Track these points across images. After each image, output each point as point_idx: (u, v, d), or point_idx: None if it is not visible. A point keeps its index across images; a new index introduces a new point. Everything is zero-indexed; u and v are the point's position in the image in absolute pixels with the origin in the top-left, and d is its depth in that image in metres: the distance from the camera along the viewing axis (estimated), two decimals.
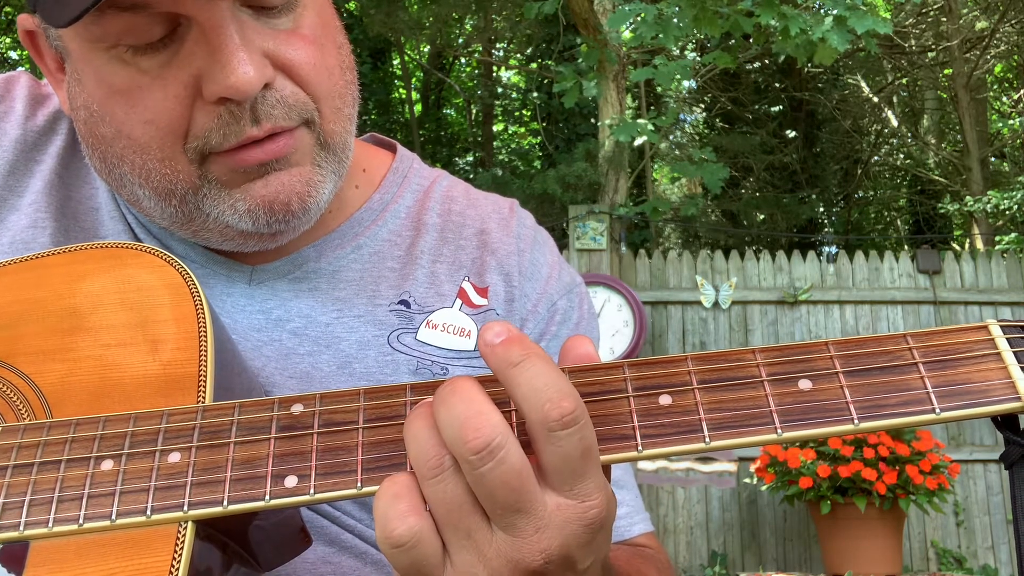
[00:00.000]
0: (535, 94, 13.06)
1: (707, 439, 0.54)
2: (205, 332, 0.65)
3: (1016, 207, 9.54)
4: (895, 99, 14.87)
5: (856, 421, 0.54)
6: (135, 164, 0.76)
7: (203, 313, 0.66)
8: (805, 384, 0.56)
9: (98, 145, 0.78)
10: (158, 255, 0.69)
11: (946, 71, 13.45)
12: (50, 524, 0.57)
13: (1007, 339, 0.55)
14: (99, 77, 0.74)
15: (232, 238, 0.80)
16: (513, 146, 16.25)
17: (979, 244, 11.02)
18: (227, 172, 0.75)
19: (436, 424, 0.53)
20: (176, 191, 0.76)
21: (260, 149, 0.74)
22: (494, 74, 15.53)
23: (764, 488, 5.10)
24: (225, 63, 0.69)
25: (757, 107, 14.51)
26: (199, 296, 0.67)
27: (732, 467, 5.68)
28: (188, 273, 0.68)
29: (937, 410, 0.54)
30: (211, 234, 0.80)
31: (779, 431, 0.54)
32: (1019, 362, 0.54)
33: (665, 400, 0.56)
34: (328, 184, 0.80)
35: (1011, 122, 13.03)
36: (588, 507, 0.53)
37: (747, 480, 5.50)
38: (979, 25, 12.61)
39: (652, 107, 11.61)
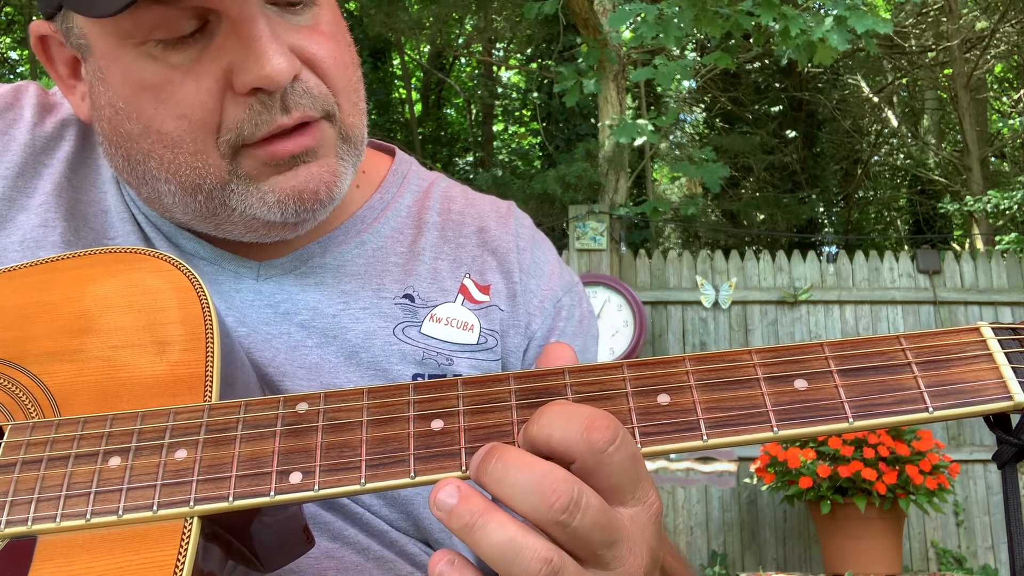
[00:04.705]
0: (535, 94, 13.06)
1: (705, 437, 0.56)
2: (212, 334, 0.66)
3: (1016, 207, 9.54)
4: (895, 99, 14.87)
5: (851, 420, 0.55)
6: (164, 159, 0.77)
7: (210, 315, 0.67)
8: (801, 384, 0.57)
9: (122, 143, 0.79)
10: (166, 259, 0.70)
11: (946, 71, 13.46)
12: (58, 519, 0.58)
13: (998, 340, 0.56)
14: (127, 74, 0.75)
15: (256, 229, 0.82)
16: (513, 146, 16.25)
17: (979, 244, 11.02)
18: (257, 166, 0.77)
19: (506, 501, 0.53)
20: (204, 186, 0.78)
21: (291, 141, 0.77)
22: (494, 74, 15.53)
23: (764, 488, 5.11)
24: (260, 54, 0.72)
25: (757, 107, 14.51)
26: (206, 299, 0.68)
27: (732, 467, 5.69)
28: (195, 276, 0.69)
29: (930, 409, 0.55)
30: (234, 227, 0.82)
31: (775, 429, 0.55)
32: (1010, 363, 0.55)
33: (663, 399, 0.57)
34: (349, 176, 0.83)
35: (1011, 122, 13.03)
36: (651, 504, 0.55)
37: (747, 480, 5.51)
38: (979, 25, 12.62)
39: (652, 107, 11.62)
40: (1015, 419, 0.57)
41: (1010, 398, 0.54)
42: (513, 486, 0.52)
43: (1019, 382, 0.55)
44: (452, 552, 0.53)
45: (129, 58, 0.74)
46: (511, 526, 0.51)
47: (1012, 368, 0.55)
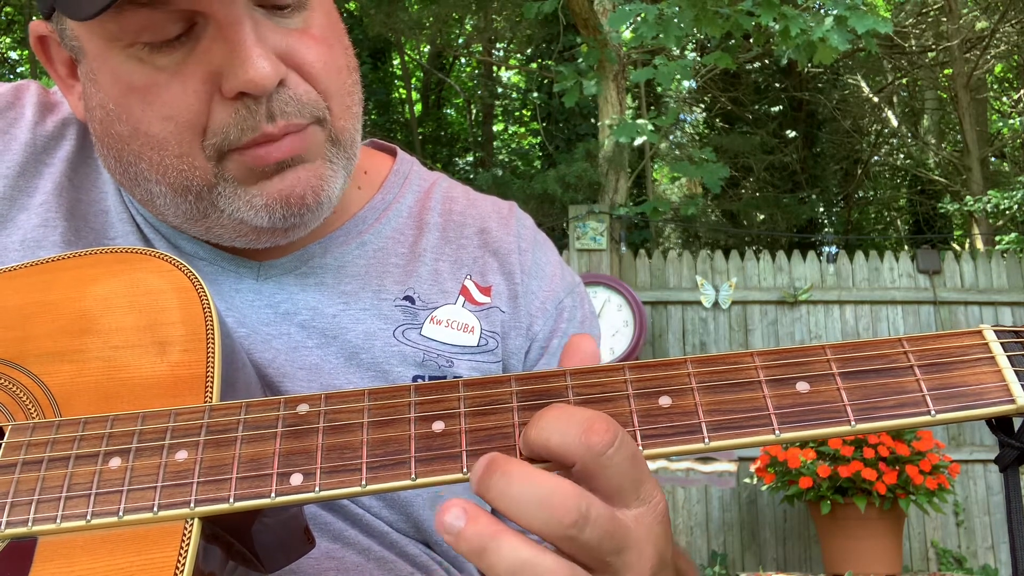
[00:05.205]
0: (535, 94, 13.06)
1: (706, 439, 0.55)
2: (212, 334, 0.66)
3: (1016, 207, 9.54)
4: (895, 99, 14.87)
5: (853, 422, 0.55)
6: (152, 161, 0.77)
7: (211, 316, 0.67)
8: (802, 386, 0.57)
9: (114, 144, 0.79)
10: (167, 259, 0.70)
11: (946, 71, 13.46)
12: (58, 520, 0.57)
13: (1000, 343, 0.56)
14: (116, 76, 0.75)
15: (245, 234, 0.81)
16: (513, 146, 16.25)
17: (979, 244, 11.02)
18: (243, 170, 0.77)
19: (511, 515, 0.52)
20: (192, 187, 0.77)
21: (276, 148, 0.76)
22: (494, 74, 15.53)
23: (764, 488, 5.11)
24: (244, 58, 0.71)
25: (757, 107, 14.50)
26: (207, 299, 0.68)
27: (732, 467, 5.69)
28: (196, 277, 0.69)
29: (932, 412, 0.55)
30: (224, 231, 0.81)
31: (777, 432, 0.55)
32: (1013, 366, 0.55)
33: (665, 401, 0.57)
34: (339, 180, 0.82)
35: (1011, 122, 13.03)
36: (656, 503, 0.55)
37: (747, 480, 5.51)
38: (979, 25, 12.62)
39: (652, 107, 11.61)
40: (1017, 422, 0.57)
41: (1012, 401, 0.54)
42: (519, 501, 0.51)
43: (1021, 385, 0.54)
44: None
45: (118, 60, 0.74)
46: (524, 549, 0.50)
47: (1015, 371, 0.55)
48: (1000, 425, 0.57)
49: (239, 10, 0.72)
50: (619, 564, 0.52)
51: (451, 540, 0.51)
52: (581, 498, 0.51)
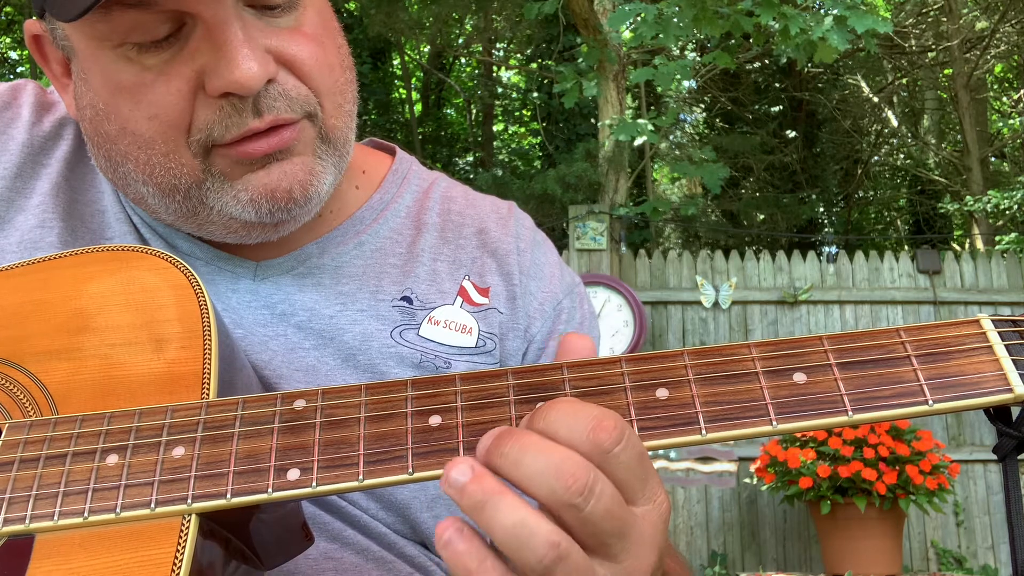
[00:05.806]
0: (535, 94, 13.07)
1: (703, 431, 0.55)
2: (209, 331, 0.66)
3: (1016, 207, 9.53)
4: (895, 99, 14.87)
5: (850, 413, 0.55)
6: (139, 160, 0.77)
7: (207, 312, 0.67)
8: (800, 377, 0.56)
9: (103, 143, 0.79)
10: (163, 257, 0.70)
11: (946, 71, 13.46)
12: (55, 517, 0.57)
13: (998, 333, 0.56)
14: (105, 75, 0.75)
15: (236, 230, 0.81)
16: (513, 146, 16.26)
17: (979, 244, 11.02)
18: (230, 164, 0.77)
19: (518, 482, 0.53)
20: (180, 186, 0.77)
21: (264, 141, 0.76)
22: (494, 74, 15.53)
23: (764, 488, 5.11)
24: (230, 59, 0.71)
25: (757, 107, 14.50)
26: (203, 296, 0.68)
27: (732, 467, 5.68)
28: (192, 274, 0.69)
29: (930, 402, 0.55)
30: (215, 227, 0.81)
31: (774, 423, 0.55)
32: (1010, 355, 0.55)
33: (662, 394, 0.57)
34: (329, 176, 0.82)
35: (1011, 122, 13.04)
36: (660, 503, 0.55)
37: (747, 480, 5.51)
38: (979, 25, 12.62)
39: (652, 107, 11.62)
40: (1015, 411, 0.57)
41: (1010, 390, 0.54)
42: (529, 467, 0.52)
43: (1019, 374, 0.54)
44: (460, 520, 0.53)
45: (107, 60, 0.74)
46: (522, 509, 0.51)
47: (1012, 360, 0.55)
48: (998, 414, 0.57)
49: (227, 10, 0.71)
50: (618, 549, 0.53)
51: (453, 494, 0.52)
52: (591, 471, 0.52)
